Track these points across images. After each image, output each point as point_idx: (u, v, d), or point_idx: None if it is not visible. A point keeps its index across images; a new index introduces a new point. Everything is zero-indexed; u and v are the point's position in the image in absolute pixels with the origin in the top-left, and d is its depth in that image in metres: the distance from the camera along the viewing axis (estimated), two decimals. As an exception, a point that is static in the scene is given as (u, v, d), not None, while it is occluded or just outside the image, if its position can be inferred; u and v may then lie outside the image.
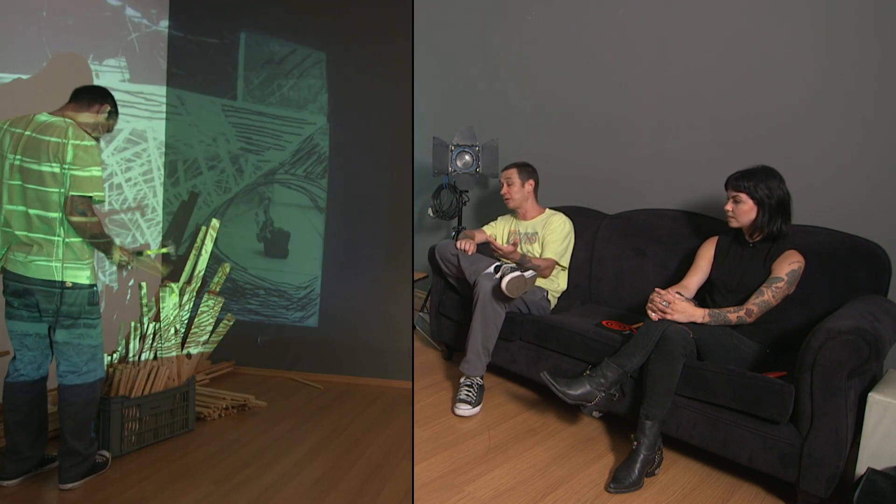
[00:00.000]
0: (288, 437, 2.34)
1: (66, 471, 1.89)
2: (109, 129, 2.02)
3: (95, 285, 1.92)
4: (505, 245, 2.65)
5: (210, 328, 2.65)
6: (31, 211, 1.80)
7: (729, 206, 2.10)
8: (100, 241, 1.87)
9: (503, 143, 3.35)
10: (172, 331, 2.37)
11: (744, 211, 2.06)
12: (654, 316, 2.00)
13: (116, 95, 2.05)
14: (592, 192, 3.11)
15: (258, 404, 2.75)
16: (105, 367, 2.01)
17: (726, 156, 2.52)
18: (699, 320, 1.97)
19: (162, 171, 3.34)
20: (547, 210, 2.87)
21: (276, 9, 3.28)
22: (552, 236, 2.71)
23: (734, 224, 2.11)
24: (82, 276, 1.86)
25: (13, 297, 1.84)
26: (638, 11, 2.85)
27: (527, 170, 2.82)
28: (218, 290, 2.74)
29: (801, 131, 2.34)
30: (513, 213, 2.95)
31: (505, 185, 2.82)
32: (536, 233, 2.79)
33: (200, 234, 2.61)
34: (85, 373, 1.90)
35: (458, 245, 2.65)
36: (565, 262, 2.75)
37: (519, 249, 2.81)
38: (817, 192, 2.27)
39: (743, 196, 2.05)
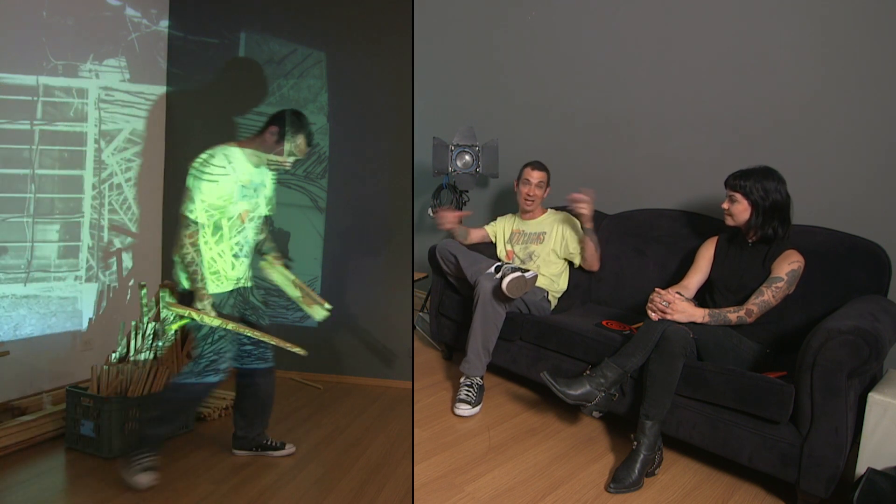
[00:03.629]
0: (288, 437, 2.33)
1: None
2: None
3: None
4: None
5: (210, 328, 2.65)
6: None
7: (725, 205, 2.11)
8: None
9: (503, 143, 3.35)
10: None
11: (738, 210, 2.07)
12: (654, 316, 2.00)
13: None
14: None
15: (258, 404, 2.75)
16: (199, 374, 1.95)
17: (726, 156, 2.51)
18: (699, 320, 1.97)
19: (162, 171, 3.34)
20: (549, 210, 2.87)
21: (276, 9, 3.28)
22: (570, 230, 2.72)
23: (730, 222, 2.12)
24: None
25: None
26: (638, 11, 2.85)
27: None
28: (218, 290, 2.74)
29: (801, 131, 2.34)
30: (514, 212, 2.94)
31: (533, 186, 2.74)
32: (544, 232, 2.78)
33: (200, 234, 2.60)
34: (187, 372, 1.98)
35: (436, 214, 2.73)
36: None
37: (521, 249, 2.81)
38: (817, 192, 2.27)
39: (738, 195, 2.05)
